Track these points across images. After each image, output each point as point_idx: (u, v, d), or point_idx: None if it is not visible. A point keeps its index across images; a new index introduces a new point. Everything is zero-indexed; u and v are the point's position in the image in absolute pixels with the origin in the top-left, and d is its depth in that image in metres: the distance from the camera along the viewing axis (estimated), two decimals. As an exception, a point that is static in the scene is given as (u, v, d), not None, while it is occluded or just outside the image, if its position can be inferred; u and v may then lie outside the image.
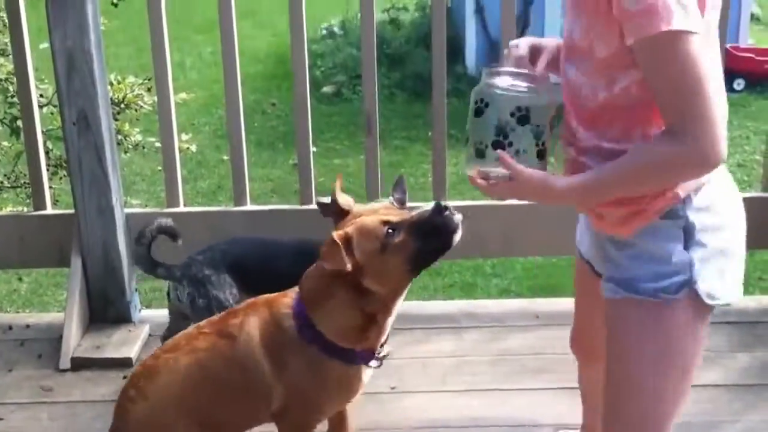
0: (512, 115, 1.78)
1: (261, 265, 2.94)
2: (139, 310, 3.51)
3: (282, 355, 2.21)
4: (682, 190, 1.77)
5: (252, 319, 2.25)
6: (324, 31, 11.86)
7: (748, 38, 10.86)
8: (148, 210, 4.21)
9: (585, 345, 2.28)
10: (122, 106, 4.61)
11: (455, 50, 10.50)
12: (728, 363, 3.01)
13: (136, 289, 3.52)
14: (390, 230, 2.07)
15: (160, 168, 3.69)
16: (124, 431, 2.32)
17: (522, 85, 1.82)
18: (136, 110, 4.66)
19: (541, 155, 1.81)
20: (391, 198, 2.76)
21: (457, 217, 2.10)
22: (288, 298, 2.26)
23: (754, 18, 11.32)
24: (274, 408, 2.26)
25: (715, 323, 3.25)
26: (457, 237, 2.10)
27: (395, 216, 2.12)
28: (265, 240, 3.06)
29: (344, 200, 2.26)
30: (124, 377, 3.07)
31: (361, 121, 3.53)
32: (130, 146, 4.71)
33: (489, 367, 3.08)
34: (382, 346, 2.26)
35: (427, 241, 2.08)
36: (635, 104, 1.73)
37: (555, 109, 1.84)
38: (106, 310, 3.41)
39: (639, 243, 1.83)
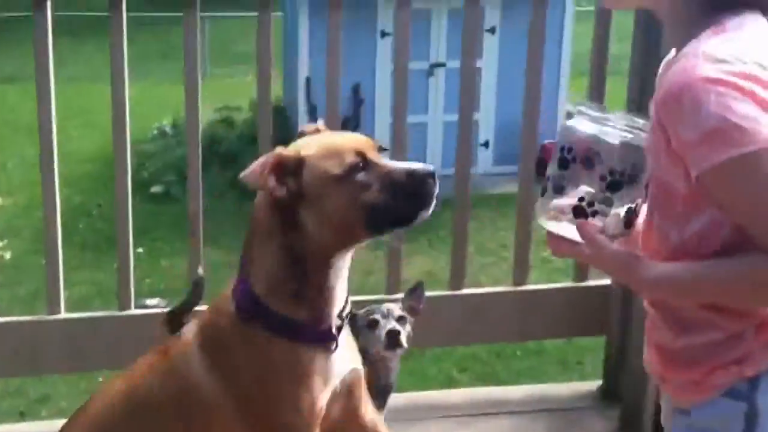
0: (602, 179, 1.52)
1: None
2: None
3: (221, 349, 1.85)
4: (749, 367, 1.54)
5: (189, 325, 1.94)
6: (155, 131, 11.77)
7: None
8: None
9: None
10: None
11: (288, 149, 10.59)
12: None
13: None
14: (360, 164, 1.75)
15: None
16: None
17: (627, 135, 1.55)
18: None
19: (629, 224, 1.57)
20: (399, 306, 2.74)
21: (435, 191, 1.78)
22: (228, 290, 1.91)
23: (570, 115, 11.92)
24: None
25: (531, 411, 3.43)
26: (426, 213, 1.79)
27: (374, 155, 1.79)
28: None
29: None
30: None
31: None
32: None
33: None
34: (339, 328, 1.90)
35: (394, 199, 1.75)
36: (708, 253, 1.51)
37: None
38: None
39: (694, 417, 1.61)
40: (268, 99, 3.42)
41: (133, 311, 3.45)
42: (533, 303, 3.67)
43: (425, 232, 8.74)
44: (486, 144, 11.04)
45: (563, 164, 1.55)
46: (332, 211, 1.74)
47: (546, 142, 10.72)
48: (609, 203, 1.53)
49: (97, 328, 3.43)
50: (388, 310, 2.81)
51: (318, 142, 1.81)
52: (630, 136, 1.54)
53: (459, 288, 3.62)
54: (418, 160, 1.83)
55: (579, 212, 1.52)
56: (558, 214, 1.56)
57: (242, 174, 1.74)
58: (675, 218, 1.55)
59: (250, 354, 1.83)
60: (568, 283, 3.88)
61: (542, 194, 1.59)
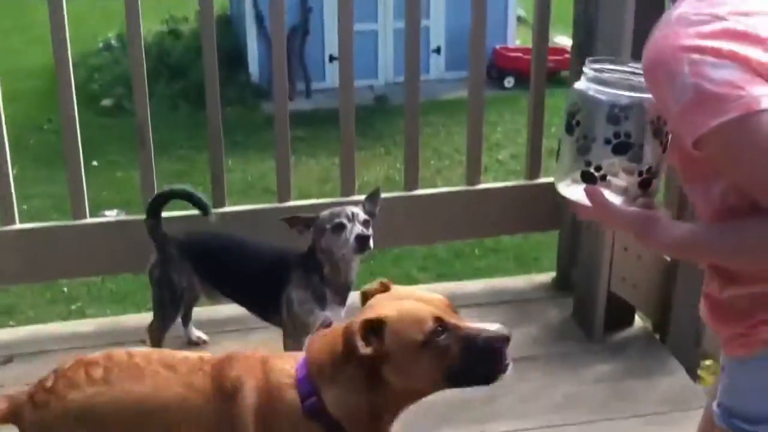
0: (607, 142, 1.47)
1: (229, 264, 3.08)
2: None
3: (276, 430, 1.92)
4: None
5: (249, 381, 1.95)
6: (101, 44, 11.57)
7: (516, 39, 11.44)
8: None
9: None
10: None
11: (238, 59, 10.49)
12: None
13: None
14: (440, 328, 1.80)
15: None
16: (39, 398, 1.99)
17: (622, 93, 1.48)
18: None
19: (645, 184, 1.50)
20: (361, 209, 2.87)
21: (509, 360, 1.82)
22: (287, 364, 1.97)
23: (520, 20, 11.90)
24: None
25: (489, 303, 3.53)
26: (504, 376, 1.83)
27: (450, 317, 1.84)
28: (246, 243, 3.12)
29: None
30: None
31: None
32: None
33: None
34: None
35: (472, 362, 1.80)
36: (740, 213, 1.44)
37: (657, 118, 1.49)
38: None
39: (742, 371, 1.56)
40: (210, 10, 3.39)
41: (88, 220, 3.46)
42: (487, 201, 3.73)
43: (380, 139, 8.76)
44: (438, 50, 10.98)
45: (569, 129, 1.52)
46: (415, 373, 1.82)
47: (497, 46, 10.73)
48: (618, 166, 1.49)
49: (52, 238, 3.44)
50: (352, 213, 2.85)
51: (398, 307, 1.86)
52: (641, 95, 1.47)
53: (413, 189, 3.68)
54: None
55: (587, 177, 1.49)
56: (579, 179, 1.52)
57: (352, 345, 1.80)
58: (699, 181, 1.50)
59: None
60: (520, 182, 3.95)
61: (557, 159, 1.56)
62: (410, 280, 5.48)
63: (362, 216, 2.84)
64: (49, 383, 2.02)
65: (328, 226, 2.83)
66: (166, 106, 9.26)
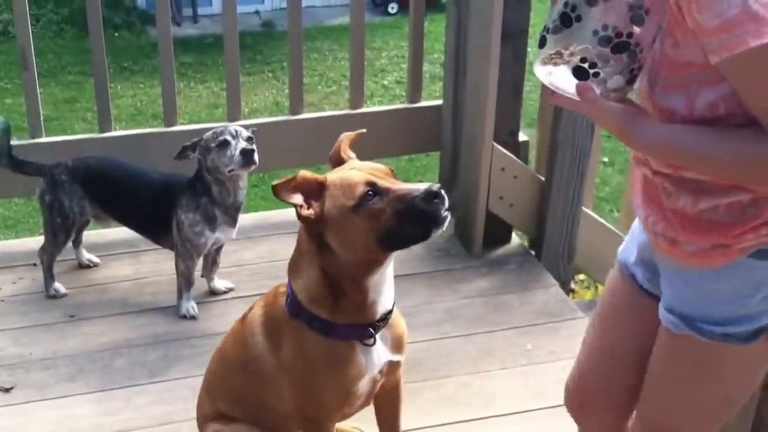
0: (606, 41, 1.37)
1: (118, 188, 3.00)
2: None
3: (277, 334, 2.00)
4: None
5: (259, 302, 2.10)
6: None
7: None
8: None
9: (595, 390, 1.89)
10: None
11: (124, -16, 10.07)
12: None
13: None
14: (371, 192, 1.77)
15: None
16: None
17: None
18: None
19: (632, 81, 1.42)
20: (241, 128, 2.84)
21: (445, 209, 1.77)
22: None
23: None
24: (289, 408, 2.05)
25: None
26: (439, 231, 1.78)
27: (384, 181, 1.79)
28: (135, 168, 3.03)
29: (347, 153, 1.95)
30: None
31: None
32: None
33: (171, 286, 3.05)
34: (380, 323, 1.93)
35: (405, 222, 1.77)
36: (723, 122, 1.39)
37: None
38: None
39: (717, 280, 1.52)
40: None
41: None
42: (370, 124, 3.65)
43: (268, 64, 8.57)
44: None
45: (566, 21, 1.40)
46: (350, 237, 1.80)
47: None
48: (606, 60, 1.39)
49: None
50: (236, 130, 2.81)
51: (339, 174, 1.85)
52: None
53: (298, 113, 3.61)
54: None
55: (580, 73, 1.40)
56: (554, 57, 1.42)
57: (275, 182, 1.79)
58: (682, 88, 1.41)
59: (296, 343, 1.97)
60: (402, 105, 3.90)
61: (540, 46, 1.44)
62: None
63: (245, 133, 2.81)
64: None
65: (213, 145, 2.79)
66: (52, 32, 8.86)
